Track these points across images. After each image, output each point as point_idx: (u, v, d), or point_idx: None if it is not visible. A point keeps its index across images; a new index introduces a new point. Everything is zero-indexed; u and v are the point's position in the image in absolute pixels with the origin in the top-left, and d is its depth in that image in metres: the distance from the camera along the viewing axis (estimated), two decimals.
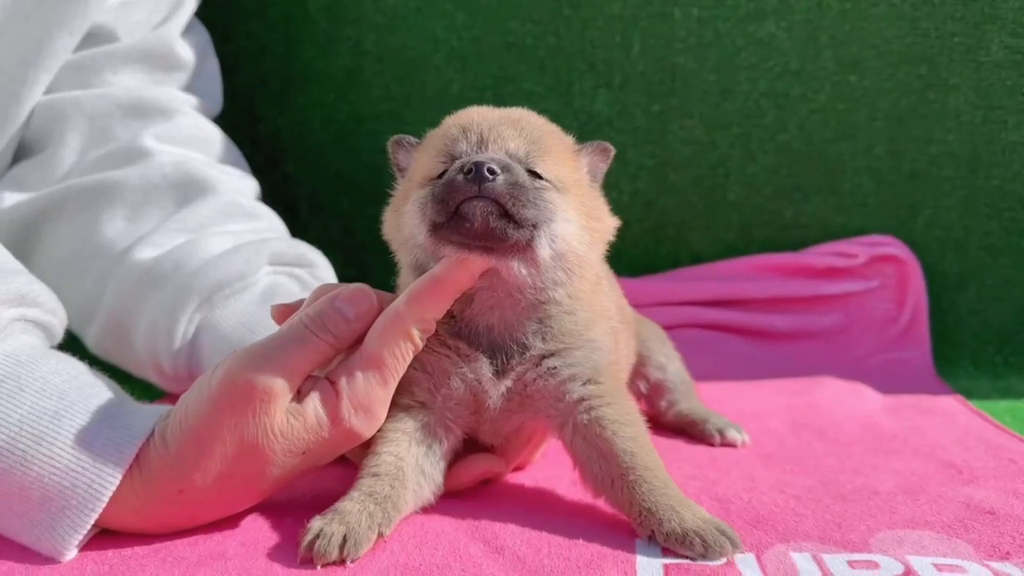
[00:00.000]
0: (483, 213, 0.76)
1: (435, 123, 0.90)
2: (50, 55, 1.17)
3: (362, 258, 1.69)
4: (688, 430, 1.16)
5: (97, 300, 1.16)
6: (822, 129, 1.68)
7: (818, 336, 1.68)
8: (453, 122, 0.86)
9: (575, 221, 0.82)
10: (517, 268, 0.79)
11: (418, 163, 0.87)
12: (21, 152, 1.24)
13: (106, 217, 1.17)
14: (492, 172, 0.76)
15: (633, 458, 0.81)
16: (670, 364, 1.19)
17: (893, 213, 1.70)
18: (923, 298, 1.67)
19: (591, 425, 0.83)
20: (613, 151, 0.91)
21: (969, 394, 1.42)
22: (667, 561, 0.73)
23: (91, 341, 1.21)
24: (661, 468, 0.82)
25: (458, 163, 0.79)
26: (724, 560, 0.73)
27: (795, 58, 1.66)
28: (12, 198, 1.20)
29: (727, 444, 1.11)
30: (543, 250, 0.79)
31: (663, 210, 1.74)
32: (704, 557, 0.74)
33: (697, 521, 0.76)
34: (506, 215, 0.77)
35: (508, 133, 0.83)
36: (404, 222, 0.84)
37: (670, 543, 0.75)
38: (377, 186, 1.81)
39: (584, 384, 0.85)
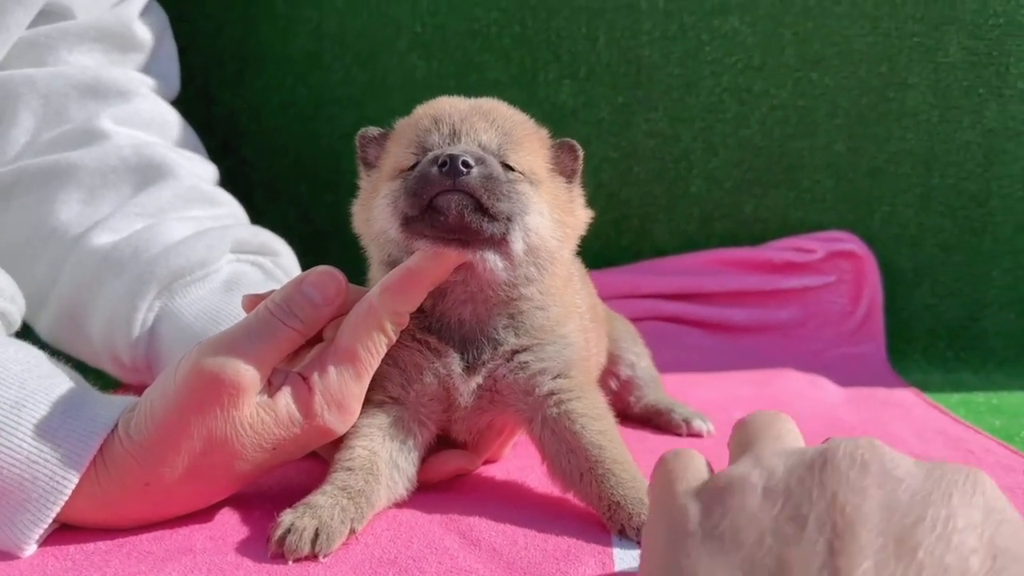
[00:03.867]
0: (458, 206, 0.75)
1: (397, 110, 0.88)
2: (2, 30, 1.13)
3: (321, 247, 1.66)
4: (654, 420, 1.16)
5: (50, 287, 1.12)
6: (783, 125, 1.70)
7: (776, 330, 1.69)
8: (424, 112, 0.85)
9: (547, 215, 0.82)
10: (493, 262, 0.79)
11: (388, 154, 0.85)
12: None
13: (60, 200, 1.12)
14: (467, 165, 0.75)
15: (601, 451, 0.81)
16: (640, 361, 1.19)
17: (851, 209, 1.72)
18: (878, 293, 1.70)
19: (560, 419, 0.83)
20: (581, 151, 0.89)
21: (922, 387, 1.44)
22: None
23: (43, 330, 1.16)
24: (630, 462, 0.82)
25: (431, 155, 0.78)
26: None
27: (758, 54, 1.67)
28: None
29: (693, 434, 1.12)
30: (517, 244, 0.79)
31: (626, 202, 1.75)
32: None
33: None
34: (480, 208, 0.76)
35: (480, 125, 0.82)
36: (375, 216, 0.83)
37: (641, 537, 0.75)
38: (337, 173, 1.80)
39: (554, 378, 0.85)
